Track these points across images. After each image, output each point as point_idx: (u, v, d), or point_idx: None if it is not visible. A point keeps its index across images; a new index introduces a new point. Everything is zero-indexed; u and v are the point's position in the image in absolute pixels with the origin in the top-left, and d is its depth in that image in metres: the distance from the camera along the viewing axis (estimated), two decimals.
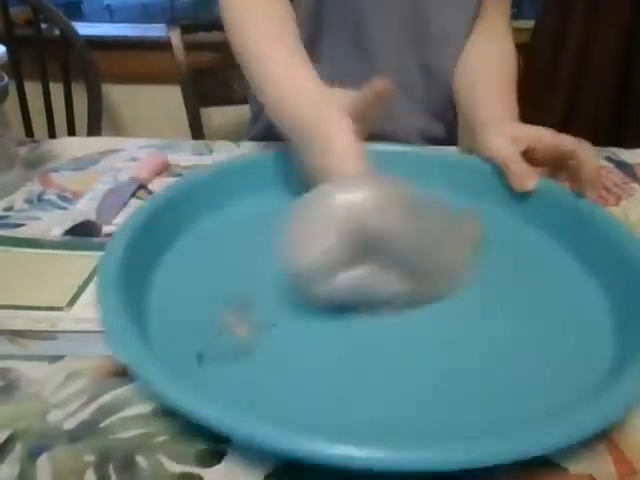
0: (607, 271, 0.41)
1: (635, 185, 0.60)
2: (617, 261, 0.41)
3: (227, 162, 0.55)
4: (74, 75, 1.19)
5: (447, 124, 0.77)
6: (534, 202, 0.49)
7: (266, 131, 0.73)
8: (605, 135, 1.34)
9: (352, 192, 0.35)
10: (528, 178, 0.49)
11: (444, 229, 0.41)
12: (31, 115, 1.22)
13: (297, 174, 0.47)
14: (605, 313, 0.39)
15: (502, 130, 0.53)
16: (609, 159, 0.65)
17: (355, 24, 0.66)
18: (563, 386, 0.34)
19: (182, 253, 0.45)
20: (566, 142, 0.50)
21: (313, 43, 0.66)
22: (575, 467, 0.29)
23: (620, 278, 0.40)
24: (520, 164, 0.50)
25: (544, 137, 0.51)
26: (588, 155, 0.48)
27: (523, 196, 0.49)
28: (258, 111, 0.79)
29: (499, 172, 0.52)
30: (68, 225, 0.50)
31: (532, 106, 1.30)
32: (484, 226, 0.46)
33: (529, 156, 0.51)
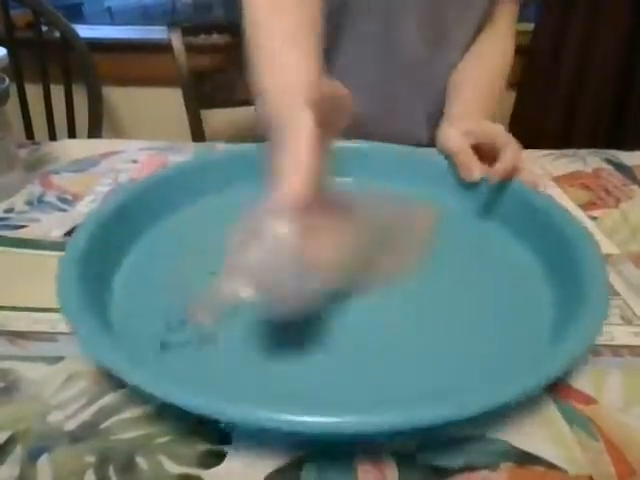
0: (547, 251, 0.44)
1: (635, 187, 0.60)
2: (558, 244, 0.43)
3: (202, 156, 0.57)
4: (75, 77, 1.19)
5: None
6: (483, 191, 0.52)
7: None
8: (605, 136, 1.34)
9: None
10: (474, 169, 0.52)
11: (387, 228, 0.44)
12: (32, 117, 1.22)
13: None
14: (545, 286, 0.42)
15: (458, 123, 0.57)
16: (609, 161, 0.66)
17: (383, 19, 0.66)
18: (509, 346, 0.37)
19: (148, 246, 0.46)
20: (501, 139, 0.52)
21: (335, 38, 0.66)
22: (575, 468, 0.29)
23: (559, 257, 0.42)
24: (467, 155, 0.53)
25: (492, 133, 0.53)
26: (510, 150, 0.50)
27: (473, 186, 0.52)
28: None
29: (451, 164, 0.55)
30: (68, 227, 0.50)
31: (532, 107, 1.31)
32: (437, 213, 0.49)
33: (480, 150, 0.53)
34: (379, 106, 0.71)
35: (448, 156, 0.55)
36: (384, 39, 0.67)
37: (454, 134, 0.55)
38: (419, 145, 0.60)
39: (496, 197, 0.51)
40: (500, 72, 0.70)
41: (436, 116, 0.73)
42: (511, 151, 0.50)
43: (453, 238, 0.47)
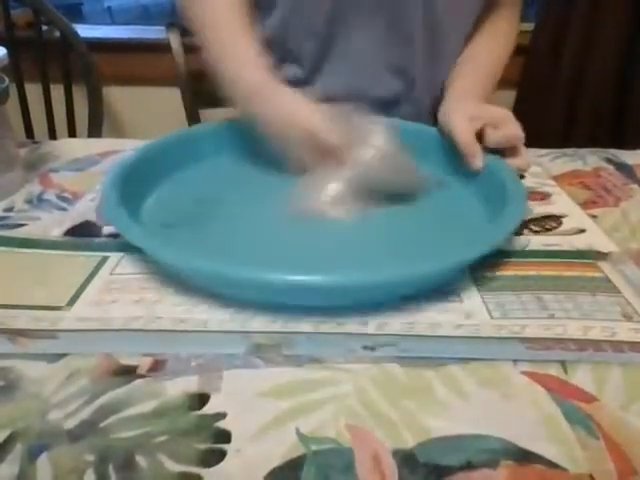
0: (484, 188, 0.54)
1: (635, 186, 0.60)
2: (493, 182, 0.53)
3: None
4: (74, 77, 1.19)
5: None
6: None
7: None
8: (605, 135, 1.34)
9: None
10: (478, 159, 0.55)
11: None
12: (32, 117, 1.22)
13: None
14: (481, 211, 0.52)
15: (462, 108, 0.58)
16: (609, 160, 0.66)
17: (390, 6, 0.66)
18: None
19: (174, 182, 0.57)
20: (506, 122, 0.56)
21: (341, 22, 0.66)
22: (575, 466, 0.29)
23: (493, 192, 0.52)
24: (473, 145, 0.55)
25: (498, 117, 0.56)
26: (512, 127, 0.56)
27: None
28: None
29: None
30: (68, 225, 0.50)
31: (532, 106, 1.31)
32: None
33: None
34: (385, 91, 0.71)
35: (448, 135, 0.57)
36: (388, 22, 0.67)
37: (459, 119, 0.56)
38: None
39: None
40: (502, 51, 0.71)
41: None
42: (512, 128, 0.55)
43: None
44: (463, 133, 0.55)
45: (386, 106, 0.70)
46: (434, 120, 0.73)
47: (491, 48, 0.70)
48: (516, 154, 0.56)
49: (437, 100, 0.72)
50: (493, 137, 0.55)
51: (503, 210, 0.47)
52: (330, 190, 0.51)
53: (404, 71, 0.70)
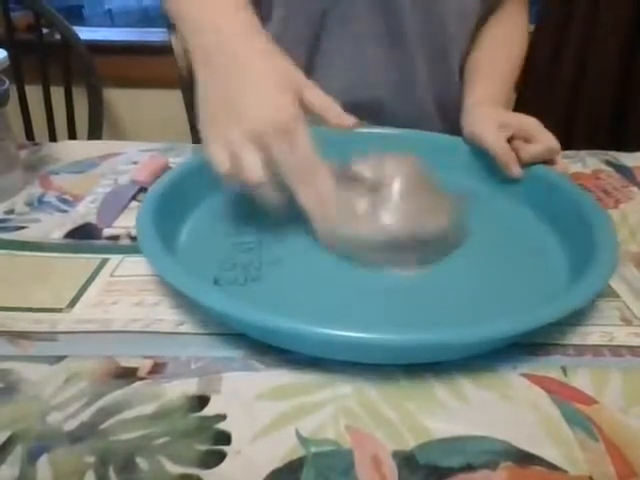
0: (564, 224, 0.49)
1: (634, 188, 0.60)
2: (573, 216, 0.48)
3: None
4: (75, 79, 1.19)
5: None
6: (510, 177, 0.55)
7: None
8: (605, 136, 1.34)
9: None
10: (515, 165, 0.54)
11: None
12: (32, 119, 1.22)
13: None
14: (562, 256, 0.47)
15: (489, 117, 0.57)
16: (608, 162, 0.66)
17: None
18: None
19: (206, 209, 0.53)
20: (538, 132, 0.55)
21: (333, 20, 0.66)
22: (575, 468, 0.29)
23: (575, 230, 0.46)
24: (508, 154, 0.54)
25: (528, 126, 0.56)
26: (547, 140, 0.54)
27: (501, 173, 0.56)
28: None
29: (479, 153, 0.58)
30: (68, 228, 0.50)
31: (532, 107, 1.31)
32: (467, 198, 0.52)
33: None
34: (386, 91, 0.70)
35: (479, 144, 0.56)
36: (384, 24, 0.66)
37: (489, 128, 0.55)
38: None
39: (521, 181, 0.55)
40: (518, 54, 0.70)
41: (447, 107, 0.72)
42: (548, 141, 0.54)
43: (481, 217, 0.51)
44: (495, 141, 0.54)
45: (387, 108, 0.70)
46: (440, 122, 0.73)
47: (507, 52, 0.70)
48: (552, 163, 0.55)
49: (441, 101, 0.73)
50: (531, 151, 0.54)
51: (589, 260, 0.40)
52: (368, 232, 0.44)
53: (403, 71, 0.69)
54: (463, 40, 0.71)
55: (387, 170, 0.46)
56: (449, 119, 0.72)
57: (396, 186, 0.45)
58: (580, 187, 0.52)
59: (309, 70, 0.69)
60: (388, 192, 0.45)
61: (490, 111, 0.59)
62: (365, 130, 0.60)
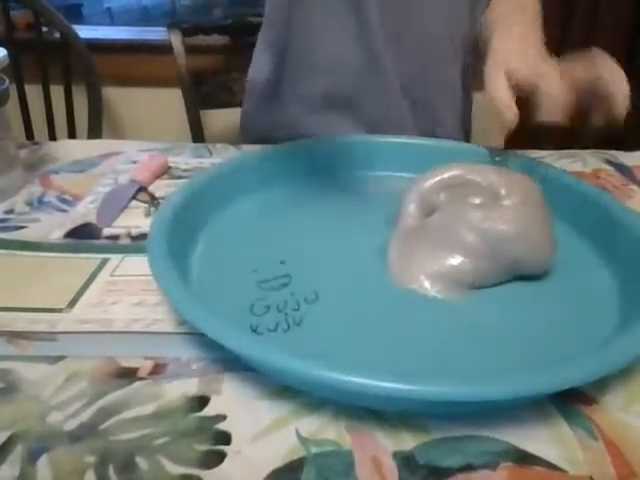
0: (616, 254, 0.45)
1: (634, 187, 0.60)
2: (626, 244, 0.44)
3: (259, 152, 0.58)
4: (74, 78, 1.19)
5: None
6: (557, 197, 0.49)
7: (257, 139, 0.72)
8: (605, 137, 1.34)
9: None
10: (510, 111, 0.50)
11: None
12: (32, 118, 1.22)
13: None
14: (612, 290, 0.43)
15: (503, 61, 0.53)
16: (608, 161, 0.66)
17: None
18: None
19: (218, 233, 0.48)
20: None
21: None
22: (575, 468, 0.29)
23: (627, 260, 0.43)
24: (505, 100, 0.50)
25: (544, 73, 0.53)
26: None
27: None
28: (248, 120, 0.79)
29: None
30: (68, 227, 0.50)
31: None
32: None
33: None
34: (357, 86, 0.69)
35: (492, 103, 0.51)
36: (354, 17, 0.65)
37: (496, 74, 0.51)
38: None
39: (567, 201, 0.51)
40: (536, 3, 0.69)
41: (419, 103, 0.71)
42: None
43: None
44: (495, 90, 0.50)
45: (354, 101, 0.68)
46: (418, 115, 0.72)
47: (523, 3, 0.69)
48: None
49: (410, 86, 0.70)
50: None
51: None
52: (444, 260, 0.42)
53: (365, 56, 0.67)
54: (439, 24, 0.69)
55: (510, 185, 0.44)
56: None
57: (516, 199, 0.43)
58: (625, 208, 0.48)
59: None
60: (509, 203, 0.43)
61: (506, 56, 0.55)
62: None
